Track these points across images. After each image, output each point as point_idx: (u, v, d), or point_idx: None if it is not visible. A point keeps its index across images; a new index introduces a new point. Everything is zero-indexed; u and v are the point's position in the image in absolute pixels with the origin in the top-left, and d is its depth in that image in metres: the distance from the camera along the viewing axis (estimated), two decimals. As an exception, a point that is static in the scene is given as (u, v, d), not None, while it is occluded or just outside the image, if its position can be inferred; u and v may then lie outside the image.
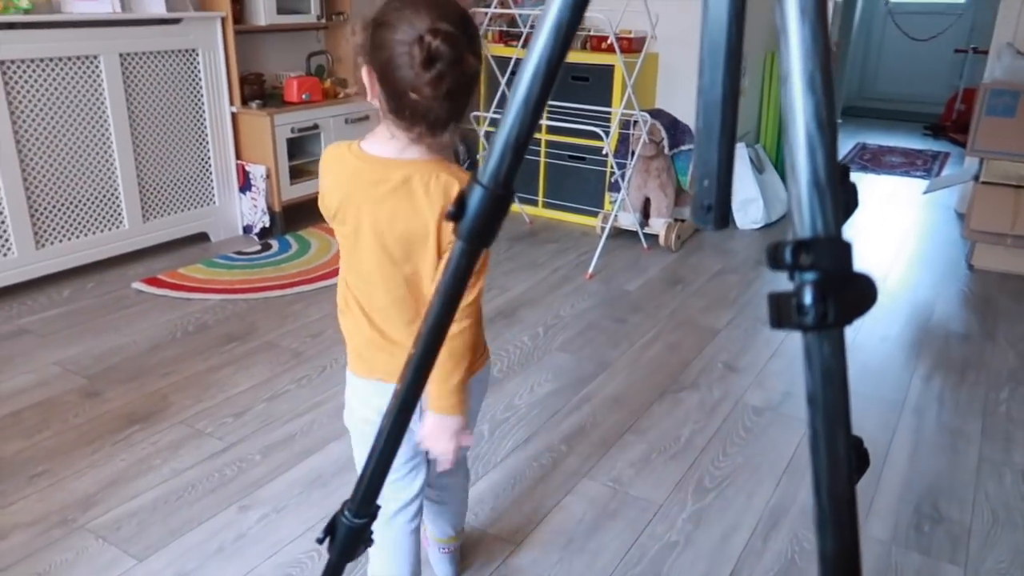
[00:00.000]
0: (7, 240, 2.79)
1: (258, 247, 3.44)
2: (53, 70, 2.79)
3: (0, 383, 2.28)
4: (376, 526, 0.81)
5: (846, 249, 0.46)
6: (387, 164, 1.09)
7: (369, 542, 0.70)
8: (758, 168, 3.92)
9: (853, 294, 0.45)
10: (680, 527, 1.74)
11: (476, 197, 0.54)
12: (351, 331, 1.22)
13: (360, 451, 1.31)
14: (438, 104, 1.00)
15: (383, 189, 1.08)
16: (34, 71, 2.74)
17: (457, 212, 0.54)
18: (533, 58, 0.56)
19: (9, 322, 2.67)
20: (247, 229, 3.59)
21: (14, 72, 2.68)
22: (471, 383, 1.20)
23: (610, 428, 2.13)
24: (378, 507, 0.70)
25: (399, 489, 1.26)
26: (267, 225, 3.53)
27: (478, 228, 0.55)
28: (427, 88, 0.97)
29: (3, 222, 2.76)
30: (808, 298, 0.45)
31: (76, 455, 1.94)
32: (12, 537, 1.66)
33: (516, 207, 3.94)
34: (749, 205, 3.81)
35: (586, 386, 2.35)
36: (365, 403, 1.23)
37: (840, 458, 0.46)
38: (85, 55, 2.87)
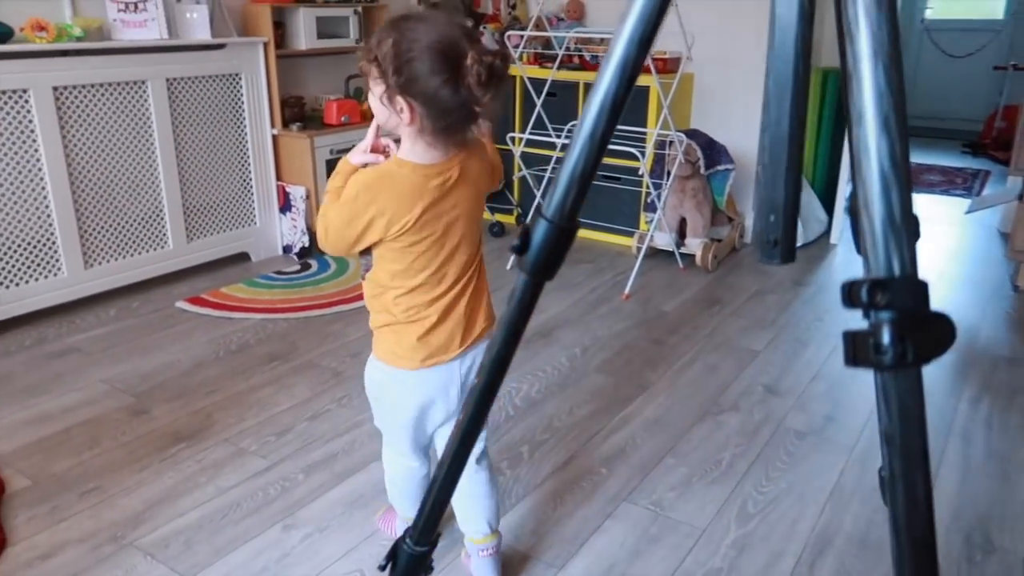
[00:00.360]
0: (57, 260, 2.87)
1: (297, 267, 3.49)
2: (103, 95, 2.88)
3: (50, 401, 2.33)
4: None
5: (923, 288, 0.46)
6: (443, 166, 1.27)
7: (429, 569, 0.71)
8: (795, 187, 3.88)
9: (931, 334, 0.45)
10: (724, 553, 1.72)
11: (541, 231, 0.54)
12: (412, 330, 1.36)
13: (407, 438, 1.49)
14: (493, 108, 1.19)
15: (449, 184, 1.27)
16: (85, 96, 2.82)
17: (521, 246, 0.55)
18: (599, 94, 0.57)
19: (59, 340, 2.74)
20: (286, 249, 3.65)
21: (67, 97, 2.77)
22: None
23: (650, 451, 2.12)
24: (439, 535, 0.70)
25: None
26: (306, 245, 3.59)
27: (542, 262, 0.56)
28: (489, 101, 1.16)
29: (54, 243, 2.84)
30: (886, 338, 0.45)
31: (125, 472, 1.98)
32: (64, 553, 1.69)
33: (551, 227, 3.95)
34: (786, 225, 3.78)
35: (625, 408, 2.34)
36: (416, 392, 1.40)
37: (919, 499, 0.46)
38: (134, 80, 2.96)
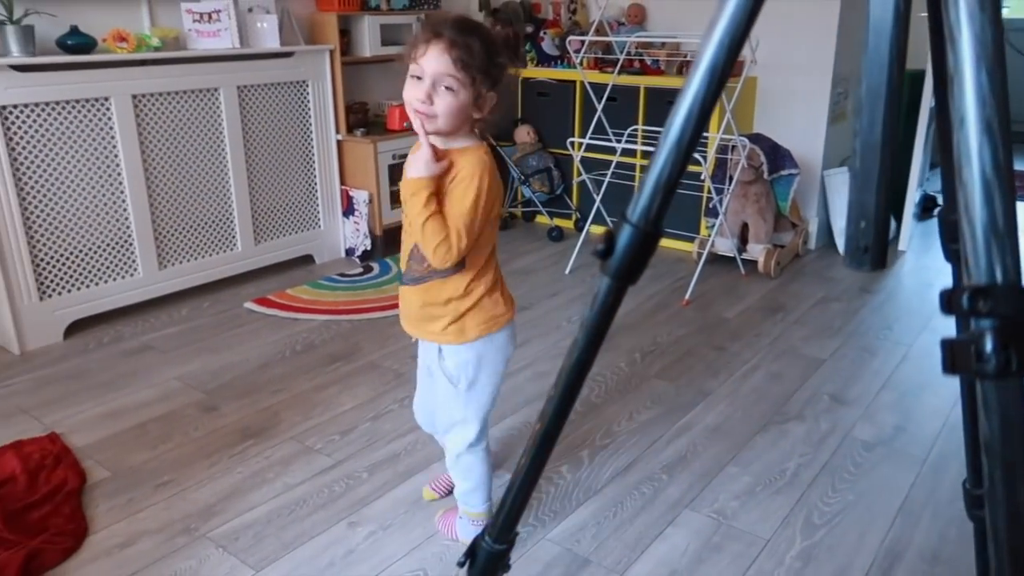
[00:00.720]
0: (134, 261, 2.98)
1: (360, 269, 3.56)
2: (178, 102, 2.99)
3: (126, 396, 2.43)
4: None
5: (1026, 296, 0.45)
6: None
7: (507, 567, 0.72)
8: (862, 192, 3.79)
9: (1036, 342, 0.44)
10: (789, 564, 1.69)
11: (625, 236, 0.55)
12: (499, 290, 1.57)
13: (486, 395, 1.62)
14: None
15: None
16: (162, 104, 2.94)
17: (606, 250, 0.55)
18: (687, 99, 0.57)
19: (134, 338, 2.85)
20: (349, 252, 3.73)
21: (144, 105, 2.88)
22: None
23: (711, 458, 2.09)
24: (517, 534, 0.72)
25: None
26: (368, 248, 3.65)
27: (626, 266, 0.56)
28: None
29: (131, 244, 2.96)
30: (988, 346, 0.44)
31: (197, 467, 2.05)
32: (141, 542, 1.76)
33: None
34: (852, 231, 3.68)
35: (686, 414, 2.32)
36: (507, 343, 1.60)
37: (1020, 512, 0.45)
38: (207, 88, 3.06)
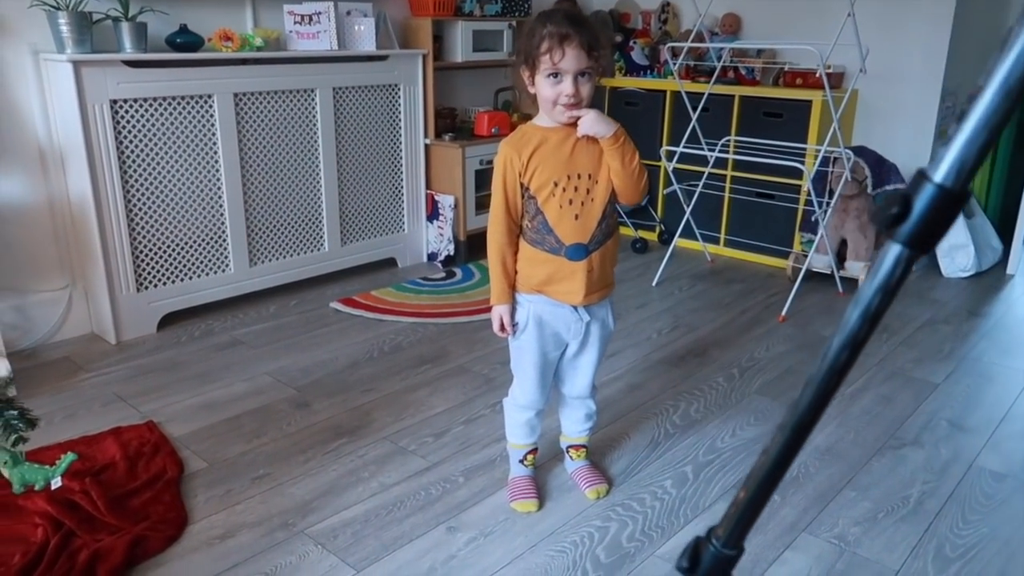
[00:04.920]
0: (227, 257, 3.01)
1: (443, 274, 3.53)
2: (276, 102, 3.02)
3: (220, 389, 2.43)
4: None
5: None
6: None
7: (729, 576, 0.65)
8: (967, 213, 3.60)
9: None
10: (923, 598, 1.56)
11: (927, 196, 0.47)
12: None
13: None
14: None
15: None
16: (261, 103, 2.97)
17: (901, 213, 0.48)
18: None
19: (225, 333, 2.87)
20: (431, 256, 3.71)
21: (245, 103, 2.92)
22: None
23: (825, 481, 1.97)
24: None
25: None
26: (451, 253, 3.63)
27: (924, 231, 0.49)
28: None
29: (224, 240, 2.99)
30: None
31: (292, 462, 2.03)
32: (240, 535, 1.73)
33: (698, 244, 3.83)
34: (957, 252, 3.50)
35: (793, 434, 2.19)
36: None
37: None
38: (304, 88, 3.09)
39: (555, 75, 1.54)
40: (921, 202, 0.48)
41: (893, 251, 0.51)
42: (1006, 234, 3.69)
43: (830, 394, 0.58)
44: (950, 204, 0.48)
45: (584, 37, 1.51)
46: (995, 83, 0.46)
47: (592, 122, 1.59)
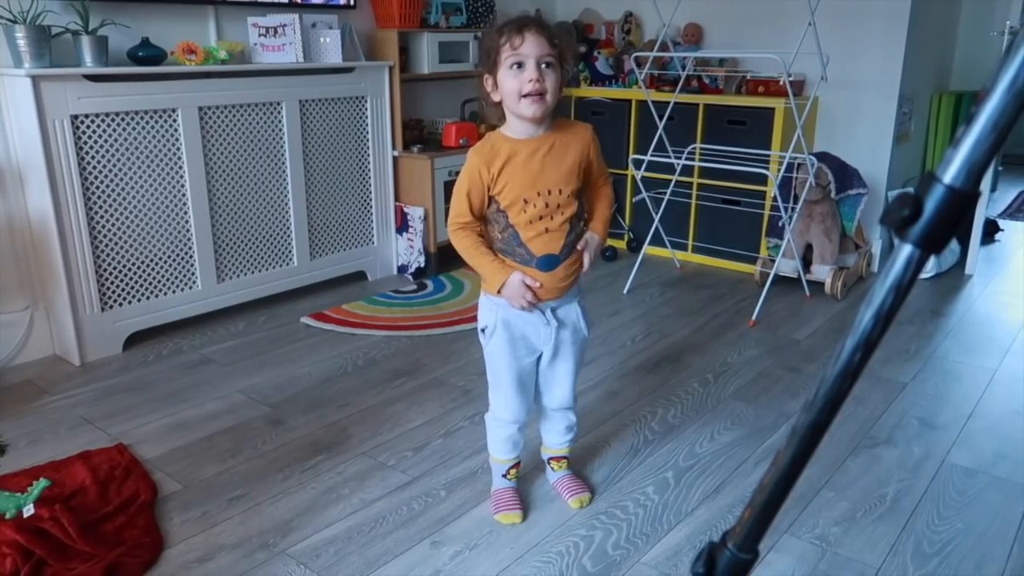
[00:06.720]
0: (194, 274, 2.95)
1: (414, 286, 3.51)
2: (242, 115, 2.98)
3: (191, 408, 2.38)
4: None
5: None
6: None
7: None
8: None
9: None
10: (905, 595, 1.59)
11: (938, 197, 0.48)
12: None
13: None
14: None
15: None
16: (226, 116, 2.93)
17: (912, 214, 0.49)
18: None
19: (193, 351, 2.81)
20: (401, 269, 3.68)
21: (210, 117, 2.87)
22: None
23: (803, 482, 1.99)
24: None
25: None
26: (422, 265, 3.61)
27: (934, 232, 0.49)
28: None
29: (191, 257, 2.93)
30: None
31: (269, 481, 1.99)
32: (219, 558, 1.69)
33: (667, 251, 3.86)
34: (918, 253, 3.58)
35: (769, 436, 2.22)
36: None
37: None
38: (270, 101, 3.05)
39: (518, 64, 1.53)
40: (932, 203, 0.49)
41: (904, 251, 0.51)
42: (963, 236, 3.79)
43: (844, 395, 0.58)
44: (960, 205, 0.49)
45: (543, 26, 1.54)
46: (1003, 84, 0.47)
47: (592, 256, 1.73)
